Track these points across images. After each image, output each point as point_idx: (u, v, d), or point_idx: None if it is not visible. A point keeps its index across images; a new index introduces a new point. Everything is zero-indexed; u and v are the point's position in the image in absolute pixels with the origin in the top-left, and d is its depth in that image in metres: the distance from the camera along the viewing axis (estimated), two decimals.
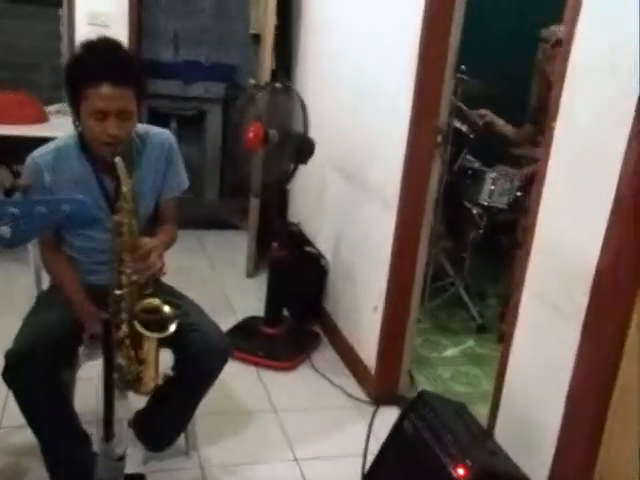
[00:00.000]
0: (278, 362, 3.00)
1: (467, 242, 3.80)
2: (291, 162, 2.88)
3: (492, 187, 3.53)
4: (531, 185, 3.52)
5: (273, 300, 3.15)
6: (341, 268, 3.24)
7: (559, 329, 1.83)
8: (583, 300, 1.72)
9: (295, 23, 4.03)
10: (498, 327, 3.49)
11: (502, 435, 2.05)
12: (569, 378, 1.77)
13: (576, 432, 1.79)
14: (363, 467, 2.15)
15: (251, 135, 2.87)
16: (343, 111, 3.22)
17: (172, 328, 1.91)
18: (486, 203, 3.55)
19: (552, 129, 1.85)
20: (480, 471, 1.83)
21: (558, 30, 4.36)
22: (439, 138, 2.60)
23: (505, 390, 2.06)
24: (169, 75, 4.84)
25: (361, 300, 2.99)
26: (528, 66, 4.59)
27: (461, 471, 1.85)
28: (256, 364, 2.97)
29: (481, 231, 3.69)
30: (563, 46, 1.82)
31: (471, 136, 3.46)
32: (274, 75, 3.75)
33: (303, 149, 2.85)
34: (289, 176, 2.88)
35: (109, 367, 1.49)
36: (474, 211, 3.66)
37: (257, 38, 4.91)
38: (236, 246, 4.37)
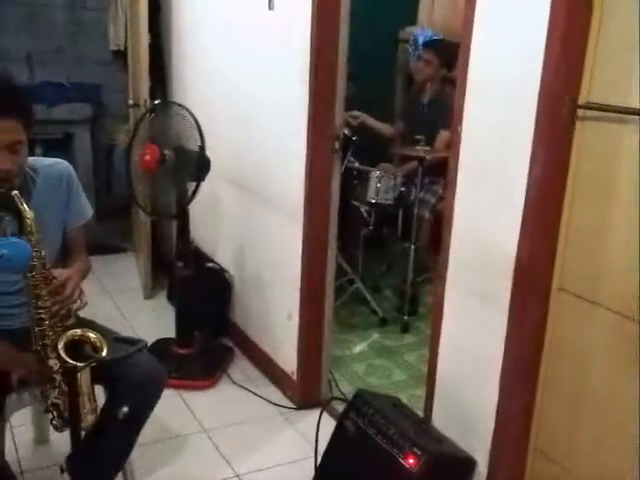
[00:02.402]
0: (197, 381, 2.97)
1: (359, 239, 3.94)
2: (191, 181, 2.86)
3: (378, 185, 3.69)
4: (412, 180, 3.74)
5: (183, 320, 3.11)
6: (248, 280, 3.25)
7: (486, 315, 1.97)
8: (506, 286, 1.86)
9: (166, 37, 3.97)
10: (399, 318, 3.66)
11: (440, 421, 2.18)
12: (501, 360, 1.92)
13: (511, 407, 1.94)
14: (316, 471, 2.20)
15: (147, 157, 2.81)
16: (232, 123, 3.22)
17: (104, 352, 1.85)
18: (374, 201, 3.70)
19: (459, 132, 1.99)
20: (429, 458, 1.95)
21: (415, 31, 4.64)
22: (336, 144, 2.68)
23: (438, 379, 2.18)
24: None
25: (273, 310, 3.02)
26: (390, 66, 4.84)
27: (411, 460, 1.96)
28: (175, 387, 2.92)
29: (371, 227, 3.84)
30: (461, 52, 1.95)
31: (354, 138, 3.58)
32: (151, 92, 3.68)
33: (201, 167, 2.84)
34: (191, 195, 2.85)
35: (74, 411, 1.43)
36: (362, 209, 3.80)
37: (118, 54, 4.80)
38: (125, 269, 4.25)
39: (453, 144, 2.01)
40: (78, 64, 4.92)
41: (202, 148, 2.82)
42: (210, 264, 3.47)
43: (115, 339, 1.92)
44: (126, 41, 4.56)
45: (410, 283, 3.66)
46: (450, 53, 3.93)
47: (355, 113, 3.98)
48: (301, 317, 2.81)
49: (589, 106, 1.70)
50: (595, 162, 1.71)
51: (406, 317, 3.65)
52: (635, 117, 1.59)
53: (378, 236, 4.04)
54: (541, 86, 1.71)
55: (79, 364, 1.78)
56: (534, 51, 1.71)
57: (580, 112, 1.72)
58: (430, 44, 4.14)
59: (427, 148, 3.59)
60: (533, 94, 1.72)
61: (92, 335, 1.85)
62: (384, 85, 4.79)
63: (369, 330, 3.63)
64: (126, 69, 4.41)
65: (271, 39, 2.83)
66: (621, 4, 1.61)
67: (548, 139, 1.72)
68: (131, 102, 3.87)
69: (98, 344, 1.81)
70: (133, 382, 1.96)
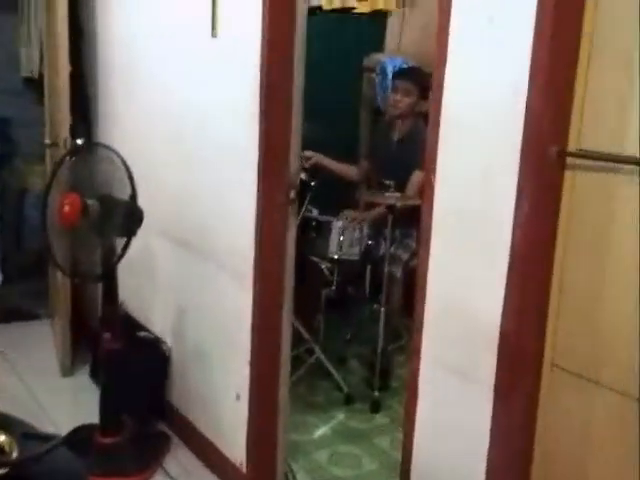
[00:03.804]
0: (127, 477, 2.92)
1: (319, 302, 3.96)
2: (119, 235, 2.85)
3: (341, 238, 3.73)
4: (381, 232, 3.79)
5: (109, 402, 3.05)
6: (188, 353, 3.23)
7: (468, 396, 1.99)
8: (490, 363, 1.89)
9: (91, 66, 4.01)
10: (368, 395, 3.66)
11: None
12: (486, 448, 1.93)
13: None
14: None
15: (67, 209, 2.80)
16: (170, 168, 3.25)
17: (14, 454, 1.80)
18: (336, 256, 3.73)
19: (431, 183, 2.04)
20: None
21: (382, 58, 4.78)
22: (292, 193, 2.72)
23: (414, 470, 2.18)
24: None
25: (219, 388, 3.00)
26: (354, 98, 4.95)
27: None
28: None
29: (333, 287, 3.86)
30: (434, 87, 2.01)
31: (312, 184, 3.63)
32: (72, 130, 3.69)
33: (132, 219, 2.84)
34: (120, 253, 2.84)
35: None
36: (323, 266, 3.83)
37: (31, 83, 4.81)
38: (39, 340, 4.17)
39: (426, 196, 2.06)
40: None
41: (133, 197, 2.82)
42: (143, 334, 3.44)
43: (23, 435, 1.88)
44: (41, 67, 4.57)
45: (380, 352, 3.68)
46: (427, 82, 4.04)
47: (308, 153, 4.03)
48: (252, 396, 2.79)
49: (579, 154, 1.77)
50: (588, 217, 1.77)
51: (376, 393, 3.65)
52: (632, 167, 1.65)
53: (342, 297, 4.08)
54: (525, 128, 1.78)
55: None
56: (517, 88, 1.78)
57: (569, 160, 1.78)
58: (405, 72, 4.24)
59: (397, 194, 3.65)
60: (516, 137, 1.78)
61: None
62: (347, 121, 4.89)
63: (333, 410, 3.62)
64: (41, 101, 4.40)
65: (215, 72, 2.88)
66: (615, 35, 1.68)
67: (534, 191, 1.78)
68: (48, 141, 3.87)
69: (6, 448, 1.76)
70: None
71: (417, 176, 3.80)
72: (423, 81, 3.94)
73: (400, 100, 4.00)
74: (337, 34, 4.63)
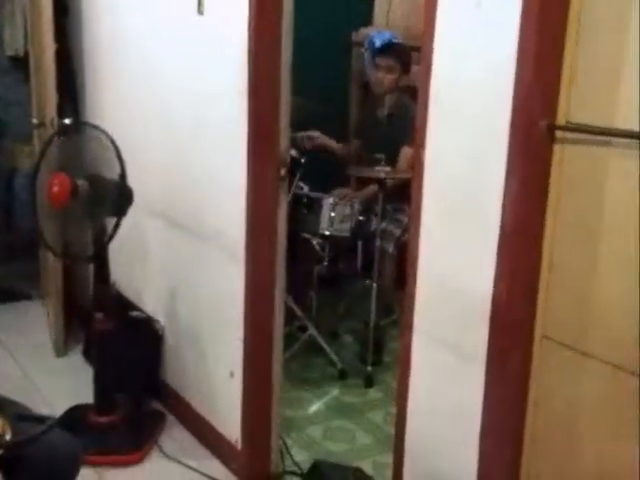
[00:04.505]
0: (122, 456, 2.94)
1: (311, 278, 3.97)
2: (109, 215, 2.85)
3: (332, 214, 3.73)
4: (372, 207, 3.80)
5: (103, 382, 3.07)
6: (181, 332, 3.24)
7: (459, 369, 2.01)
8: (482, 335, 1.91)
9: (77, 44, 3.97)
10: (362, 370, 3.68)
11: None
12: (479, 419, 1.95)
13: (493, 474, 1.97)
14: None
15: (56, 189, 2.79)
16: (159, 147, 3.24)
17: (7, 436, 1.82)
18: (327, 232, 3.74)
19: (421, 157, 2.04)
20: None
21: (370, 32, 4.75)
22: (283, 171, 2.71)
23: (408, 443, 2.21)
24: None
25: (213, 366, 3.02)
26: (343, 74, 4.93)
27: None
28: (95, 464, 2.87)
29: (325, 264, 3.87)
30: (422, 61, 2.01)
31: (302, 160, 3.63)
32: (60, 110, 3.67)
33: (122, 199, 2.83)
34: (111, 233, 2.84)
35: None
36: (314, 243, 3.84)
37: (17, 62, 4.76)
38: (31, 321, 4.17)
39: (416, 170, 2.07)
40: None
41: (123, 177, 2.82)
42: (135, 313, 3.45)
43: (18, 417, 1.89)
44: (26, 46, 4.52)
45: (373, 327, 3.70)
46: (409, 57, 4.04)
47: (314, 134, 4.04)
48: (245, 373, 2.81)
49: (569, 127, 1.77)
50: (578, 190, 1.77)
51: (369, 368, 3.68)
52: (624, 140, 1.65)
53: (334, 273, 4.09)
54: (514, 102, 1.78)
55: None
56: (505, 59, 1.77)
57: (559, 134, 1.78)
58: (385, 49, 4.23)
59: (388, 169, 3.65)
60: (505, 110, 1.78)
61: None
62: (337, 97, 4.87)
63: (326, 385, 3.65)
64: (28, 80, 4.37)
65: (203, 49, 2.86)
66: (604, 6, 1.67)
67: (523, 165, 1.79)
68: (35, 121, 3.84)
69: (0, 430, 1.77)
70: (39, 468, 1.93)
71: (406, 151, 3.83)
72: (404, 56, 4.01)
73: (383, 77, 4.03)
74: (325, 9, 4.59)
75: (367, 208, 3.84)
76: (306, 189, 3.87)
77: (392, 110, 4.08)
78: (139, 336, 3.36)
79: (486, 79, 1.85)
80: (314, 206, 3.78)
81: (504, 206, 1.81)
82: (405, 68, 4.00)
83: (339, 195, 3.86)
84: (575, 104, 1.76)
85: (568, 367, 1.83)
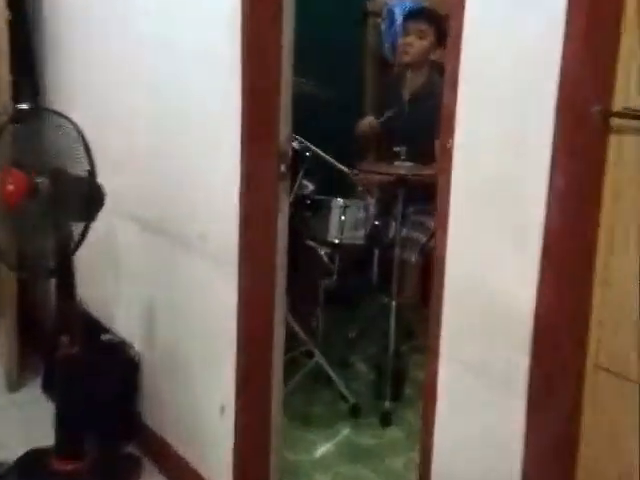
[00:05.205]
0: None
1: (317, 294, 3.98)
2: (76, 220, 2.86)
3: (342, 218, 3.74)
4: (390, 208, 3.80)
5: (67, 421, 3.07)
6: (161, 358, 3.25)
7: (497, 402, 2.00)
8: (522, 364, 1.91)
9: (36, 16, 3.99)
10: (378, 406, 3.68)
11: None
12: (519, 469, 1.95)
13: None
14: None
15: (10, 187, 2.80)
16: (133, 138, 3.25)
17: None
18: (337, 240, 3.75)
19: (448, 149, 2.04)
20: None
21: (387, 0, 4.78)
22: (283, 167, 2.72)
23: None
24: None
25: (199, 400, 3.02)
26: (357, 49, 4.95)
27: None
28: None
29: (334, 277, 3.88)
30: (451, 34, 2.01)
31: (307, 154, 3.64)
32: (14, 92, 3.69)
33: (91, 200, 2.84)
34: (77, 240, 2.85)
35: None
36: (322, 252, 3.84)
37: None
38: None
39: (442, 165, 2.07)
40: None
41: (91, 173, 2.83)
42: (106, 336, 3.46)
43: None
44: None
45: (392, 354, 3.70)
46: (444, 26, 4.03)
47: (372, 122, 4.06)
48: (239, 408, 2.81)
49: (629, 113, 1.77)
50: (638, 186, 1.77)
51: (387, 403, 3.68)
52: None
53: (345, 289, 4.09)
54: (560, 84, 1.78)
55: None
56: (549, 29, 1.77)
57: (616, 122, 1.78)
58: (418, 12, 4.23)
59: (410, 164, 3.66)
60: (550, 93, 1.78)
61: None
62: (349, 76, 4.88)
63: (336, 423, 3.66)
64: None
65: (188, 14, 2.88)
66: None
67: (572, 160, 1.78)
68: None
69: None
70: None
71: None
72: (440, 23, 3.93)
73: (411, 43, 4.00)
74: None
75: (384, 211, 3.85)
76: (311, 188, 3.87)
77: (416, 91, 4.07)
78: (111, 364, 3.37)
79: (527, 54, 1.85)
80: (321, 209, 3.79)
81: (549, 207, 1.81)
82: (440, 38, 3.93)
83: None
84: (636, 85, 1.76)
85: (626, 402, 1.82)
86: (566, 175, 1.80)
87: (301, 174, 3.69)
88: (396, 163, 3.68)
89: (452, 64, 2.02)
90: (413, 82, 4.08)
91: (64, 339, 3.00)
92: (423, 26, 3.99)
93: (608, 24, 1.75)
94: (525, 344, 1.90)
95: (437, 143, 3.69)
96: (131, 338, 3.42)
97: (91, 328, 3.48)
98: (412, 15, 4.18)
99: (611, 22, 1.75)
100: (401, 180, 3.63)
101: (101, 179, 2.85)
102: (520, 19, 1.87)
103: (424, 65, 4.02)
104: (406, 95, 4.12)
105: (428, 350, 2.19)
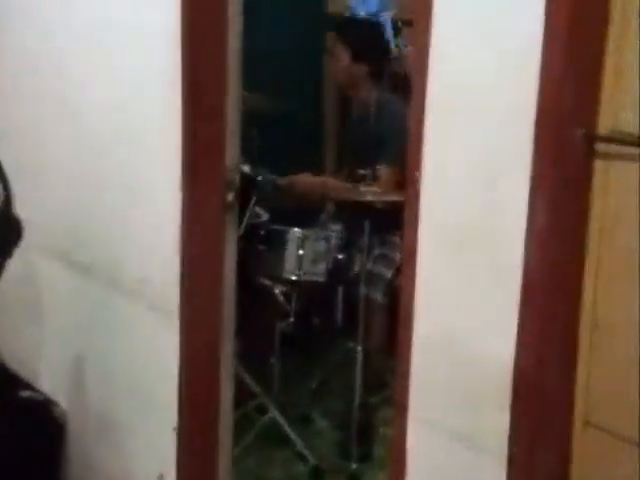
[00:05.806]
0: None
1: (273, 339, 3.97)
2: None
3: (300, 252, 3.74)
4: (355, 240, 3.82)
5: None
6: (90, 419, 3.24)
7: (474, 467, 2.03)
8: (501, 420, 1.93)
9: None
10: (343, 467, 3.69)
11: None
12: None
13: None
14: None
15: None
16: (61, 164, 3.26)
17: None
18: (294, 277, 3.76)
19: (415, 180, 2.07)
20: None
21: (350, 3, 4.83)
22: (230, 195, 2.74)
23: None
24: None
25: (135, 466, 3.02)
26: (315, 55, 4.98)
27: None
28: None
29: (292, 319, 3.88)
30: (415, 60, 2.05)
31: (259, 179, 3.66)
32: None
33: (6, 233, 2.84)
34: None
35: None
36: (277, 291, 3.85)
37: None
38: None
39: (409, 196, 2.09)
40: None
41: (7, 203, 2.82)
42: (26, 393, 3.43)
43: None
44: None
45: (358, 407, 3.71)
46: (360, 37, 4.08)
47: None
48: (180, 475, 2.82)
49: (615, 137, 1.80)
50: (628, 221, 1.78)
51: (354, 465, 3.69)
52: None
53: (304, 332, 4.09)
54: (539, 105, 1.81)
55: None
56: (528, 51, 1.80)
57: (601, 147, 1.82)
58: (335, 27, 4.31)
59: (375, 189, 3.67)
60: (528, 114, 1.81)
61: None
62: (307, 90, 4.89)
63: None
64: None
65: (125, 31, 2.92)
66: None
67: (553, 189, 1.82)
68: None
69: None
70: None
71: (384, 173, 3.85)
72: (353, 35, 4.04)
73: (335, 66, 4.16)
74: None
75: (348, 242, 3.85)
76: (265, 218, 3.88)
77: (360, 111, 4.14)
78: (32, 425, 3.34)
79: (501, 73, 1.89)
80: (276, 241, 3.80)
81: (528, 245, 1.84)
82: (355, 53, 3.99)
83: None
84: (623, 106, 1.79)
85: (621, 462, 1.85)
86: (547, 206, 1.83)
87: (253, 201, 3.69)
88: (361, 187, 3.68)
89: (418, 88, 2.05)
90: (357, 104, 4.18)
91: None
92: (338, 45, 4.07)
93: (591, 38, 1.79)
94: (504, 400, 1.93)
95: (385, 173, 3.79)
96: (56, 395, 3.40)
97: (8, 383, 3.46)
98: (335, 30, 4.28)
99: (594, 36, 1.79)
100: (366, 207, 3.63)
101: (19, 210, 2.85)
102: (493, 35, 1.91)
103: (357, 84, 4.11)
104: (353, 116, 4.20)
105: (396, 407, 2.21)
